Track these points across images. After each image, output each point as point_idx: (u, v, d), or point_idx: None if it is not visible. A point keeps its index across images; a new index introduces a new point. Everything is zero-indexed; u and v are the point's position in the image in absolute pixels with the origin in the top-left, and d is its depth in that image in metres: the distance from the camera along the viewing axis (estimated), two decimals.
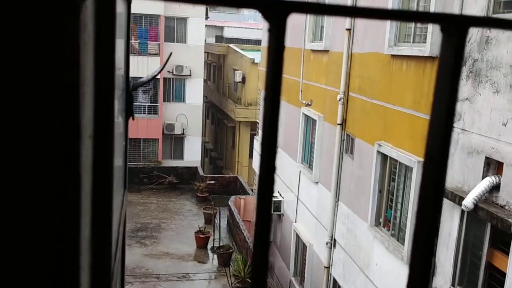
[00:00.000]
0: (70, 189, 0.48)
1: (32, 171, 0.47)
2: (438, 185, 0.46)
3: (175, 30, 26.56)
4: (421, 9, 8.06)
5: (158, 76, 25.51)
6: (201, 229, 18.03)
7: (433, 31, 7.36)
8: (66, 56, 0.44)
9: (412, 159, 7.81)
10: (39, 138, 0.46)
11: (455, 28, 0.43)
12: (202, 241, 17.74)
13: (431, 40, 7.38)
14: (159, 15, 25.55)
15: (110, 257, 0.90)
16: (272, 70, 0.40)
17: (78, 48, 0.44)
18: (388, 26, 8.64)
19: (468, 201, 6.15)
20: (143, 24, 25.81)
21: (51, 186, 0.48)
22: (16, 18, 0.42)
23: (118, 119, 1.26)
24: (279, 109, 0.44)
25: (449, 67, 0.44)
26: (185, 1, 0.42)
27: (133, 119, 1.56)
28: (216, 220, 18.52)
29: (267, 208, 0.44)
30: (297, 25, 13.40)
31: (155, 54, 25.66)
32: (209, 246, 17.78)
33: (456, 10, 6.87)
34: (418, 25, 8.16)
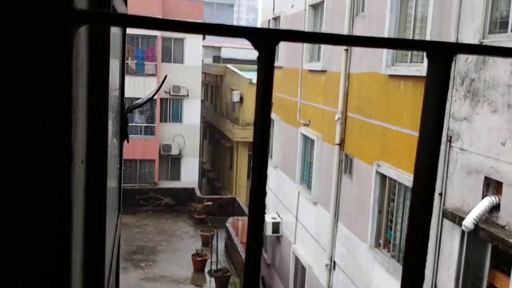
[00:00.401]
0: (61, 214, 0.45)
1: (24, 195, 0.45)
2: (427, 205, 0.46)
3: (172, 50, 26.75)
4: (417, 29, 8.13)
5: (155, 97, 25.58)
6: (198, 251, 17.83)
7: None
8: (58, 83, 0.42)
9: (412, 179, 7.76)
10: (31, 163, 0.44)
11: (440, 55, 0.43)
12: (199, 264, 17.53)
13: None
14: (156, 36, 25.75)
15: (103, 281, 0.86)
16: (261, 96, 0.41)
17: (70, 75, 0.42)
18: None
19: (468, 222, 6.09)
20: (140, 45, 25.99)
21: (41, 210, 0.46)
22: (11, 45, 0.41)
23: (113, 142, 1.23)
24: (270, 131, 0.44)
25: (435, 94, 0.44)
26: (179, 30, 0.44)
27: (127, 141, 1.53)
28: (213, 243, 18.33)
29: (259, 229, 0.43)
30: (295, 45, 13.50)
31: (152, 75, 25.77)
32: (206, 269, 17.56)
33: (452, 31, 6.92)
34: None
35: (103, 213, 0.70)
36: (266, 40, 0.42)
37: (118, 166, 1.47)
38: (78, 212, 0.56)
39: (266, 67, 0.43)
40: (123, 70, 1.59)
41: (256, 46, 0.42)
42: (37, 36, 0.41)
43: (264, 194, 0.46)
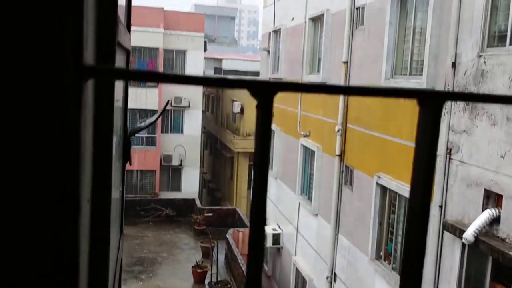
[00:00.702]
0: (68, 258, 0.48)
1: (33, 240, 0.48)
2: (419, 249, 0.48)
3: (174, 62, 26.89)
4: (416, 42, 8.19)
5: (157, 108, 25.65)
6: (198, 263, 17.76)
7: (429, 64, 7.46)
8: (67, 133, 0.45)
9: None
10: (40, 207, 0.46)
11: (430, 102, 0.46)
12: (199, 276, 17.45)
13: (428, 72, 7.47)
14: (158, 48, 25.89)
15: None
16: (260, 142, 0.43)
17: (79, 126, 0.45)
18: (384, 59, 8.76)
19: (469, 234, 6.10)
20: (142, 56, 26.13)
21: (47, 250, 0.48)
22: (23, 97, 0.44)
23: (115, 165, 1.26)
24: (267, 178, 0.46)
25: (427, 139, 0.46)
26: (180, 82, 0.46)
27: (130, 164, 1.56)
28: (213, 254, 18.27)
29: (260, 239, 0.46)
30: (295, 57, 13.59)
31: (154, 86, 25.87)
32: (206, 281, 17.47)
33: (451, 44, 6.97)
34: (414, 57, 8.28)
35: (106, 253, 0.73)
36: (264, 91, 0.46)
37: (121, 188, 1.50)
38: (83, 249, 0.59)
39: (264, 115, 0.46)
40: (127, 93, 1.63)
41: (255, 96, 0.46)
42: (49, 92, 0.44)
43: (264, 207, 0.48)
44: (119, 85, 1.34)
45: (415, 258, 0.51)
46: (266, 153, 0.49)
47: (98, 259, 0.70)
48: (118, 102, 1.34)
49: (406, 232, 0.54)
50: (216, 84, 0.50)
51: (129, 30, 1.53)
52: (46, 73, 0.44)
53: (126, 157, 1.48)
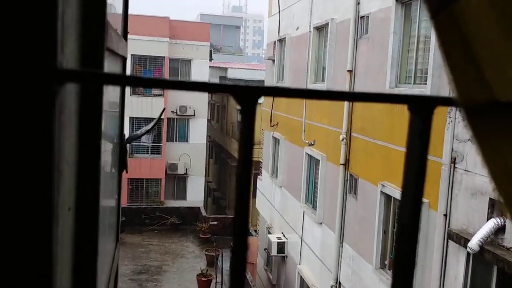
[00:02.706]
0: (42, 265, 0.47)
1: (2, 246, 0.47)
2: (410, 256, 0.47)
3: (179, 71, 27.00)
4: (421, 51, 8.18)
5: (162, 116, 25.74)
6: (203, 271, 17.71)
7: (433, 73, 7.45)
8: (38, 140, 0.45)
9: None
10: (9, 214, 0.46)
11: (421, 108, 0.45)
12: (204, 284, 17.40)
13: (432, 81, 7.46)
14: (164, 57, 26.02)
15: None
16: (244, 146, 0.43)
17: (51, 131, 0.45)
18: (389, 68, 8.76)
19: (474, 244, 6.04)
20: (148, 66, 26.27)
21: (20, 261, 0.47)
22: None
23: (111, 173, 1.26)
24: (251, 181, 0.46)
25: (417, 145, 0.46)
26: (163, 87, 0.47)
27: (126, 172, 1.56)
28: (218, 262, 18.22)
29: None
30: (300, 66, 13.61)
31: (159, 95, 25.98)
32: None
33: None
34: (419, 66, 8.27)
35: (94, 258, 0.72)
36: (247, 96, 0.45)
37: (117, 197, 1.50)
38: (64, 261, 0.58)
39: (248, 120, 0.46)
40: (123, 100, 1.63)
41: (239, 101, 0.46)
42: (19, 95, 0.44)
43: (247, 218, 0.48)
44: (114, 92, 1.34)
45: (406, 264, 0.50)
46: (249, 159, 0.49)
47: (85, 269, 0.69)
48: (113, 109, 1.34)
49: (397, 239, 0.54)
50: (199, 88, 0.50)
51: (125, 38, 1.54)
52: (16, 76, 0.43)
53: (122, 165, 1.48)
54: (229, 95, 0.49)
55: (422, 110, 0.48)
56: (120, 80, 0.46)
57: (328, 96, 0.52)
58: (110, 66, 1.05)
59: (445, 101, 0.52)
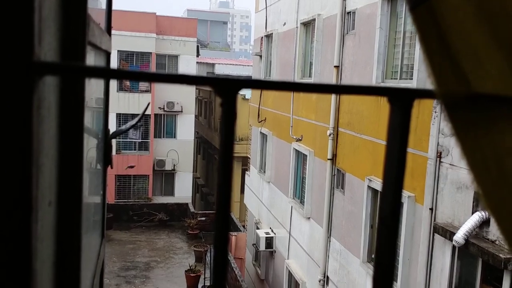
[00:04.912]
0: (21, 267, 0.47)
1: None
2: (390, 247, 0.47)
3: (166, 67, 26.85)
4: (407, 46, 8.24)
5: (149, 113, 25.62)
6: (191, 267, 17.71)
7: (419, 68, 7.50)
8: (16, 130, 0.44)
9: (403, 194, 7.80)
10: None
11: (401, 100, 0.45)
12: (192, 280, 17.40)
13: (418, 76, 7.51)
14: (151, 53, 25.86)
15: None
16: (224, 139, 0.43)
17: (30, 124, 0.44)
18: (375, 63, 8.80)
19: (459, 237, 6.12)
20: (134, 61, 26.08)
21: None
22: None
23: (96, 168, 1.25)
24: (232, 172, 0.47)
25: (397, 137, 0.46)
26: (146, 80, 0.47)
27: (111, 167, 1.55)
28: (207, 258, 18.22)
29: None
30: (287, 62, 13.62)
31: (146, 91, 25.83)
32: (200, 285, 17.42)
33: None
34: (405, 61, 8.33)
35: (78, 253, 0.72)
36: (227, 88, 0.45)
37: (102, 192, 1.49)
38: (44, 256, 0.57)
39: (228, 112, 0.46)
40: (108, 94, 1.62)
41: (219, 94, 0.46)
42: None
43: (228, 214, 0.48)
44: (99, 87, 1.33)
45: (386, 257, 0.51)
46: (230, 153, 0.49)
47: (68, 265, 0.69)
48: (97, 104, 1.33)
49: (378, 231, 0.54)
50: (179, 81, 0.49)
51: (109, 33, 1.53)
52: None
53: (107, 160, 1.47)
54: (210, 87, 0.49)
55: (401, 102, 0.49)
56: (99, 72, 0.46)
57: (310, 88, 0.52)
58: (93, 60, 1.04)
59: (424, 94, 0.52)
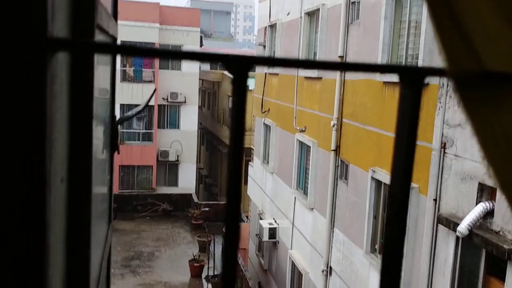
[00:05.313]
0: (35, 235, 0.48)
1: None
2: (401, 223, 0.47)
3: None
4: (411, 36, 8.19)
5: (153, 103, 25.63)
6: (195, 257, 17.80)
7: (423, 58, 7.47)
8: (31, 109, 0.45)
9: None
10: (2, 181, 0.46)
11: (411, 78, 0.46)
12: (196, 269, 17.50)
13: (423, 66, 7.46)
14: (154, 43, 25.80)
15: None
16: (235, 116, 0.43)
17: (44, 100, 0.45)
18: (380, 53, 8.76)
19: (463, 227, 6.12)
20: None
21: (13, 234, 0.47)
22: None
23: (103, 154, 1.26)
24: (243, 150, 0.47)
25: (407, 116, 0.46)
26: (158, 56, 0.47)
27: (118, 153, 1.56)
28: (210, 248, 18.32)
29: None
30: (291, 52, 13.57)
31: (150, 81, 25.82)
32: (203, 275, 17.53)
33: None
34: (409, 51, 8.28)
35: (88, 229, 0.73)
36: (239, 65, 0.45)
37: (109, 177, 1.50)
38: (57, 231, 0.58)
39: (240, 90, 0.45)
40: (114, 81, 1.62)
41: (230, 70, 0.45)
42: (10, 64, 0.44)
43: (238, 204, 0.48)
44: (105, 73, 1.33)
45: (396, 241, 0.51)
46: (241, 130, 0.49)
47: (78, 239, 0.70)
48: (104, 90, 1.34)
49: (387, 215, 0.54)
50: (190, 57, 0.49)
51: (115, 19, 1.53)
52: (6, 44, 0.43)
53: (113, 146, 1.48)
54: (221, 64, 0.48)
55: (412, 80, 0.49)
56: (110, 48, 0.46)
57: (320, 66, 0.52)
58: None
59: (435, 72, 0.52)
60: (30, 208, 0.46)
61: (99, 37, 0.89)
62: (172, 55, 0.48)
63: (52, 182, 0.50)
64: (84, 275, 0.75)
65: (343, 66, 0.50)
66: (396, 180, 0.51)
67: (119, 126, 1.66)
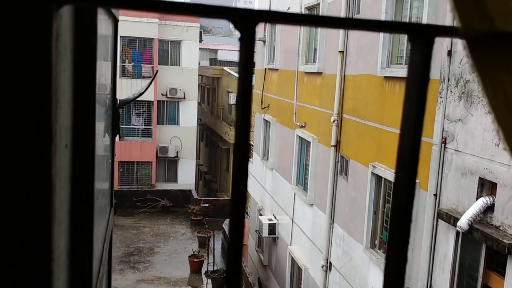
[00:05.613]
0: (41, 196, 0.46)
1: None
2: (409, 192, 0.46)
3: (169, 53, 26.76)
4: (414, 15, 8.15)
5: (152, 99, 25.59)
6: (195, 253, 17.82)
7: None
8: (35, 62, 0.43)
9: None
10: (6, 142, 0.44)
11: (421, 37, 0.44)
12: (196, 265, 17.52)
13: None
14: (153, 38, 25.75)
15: (90, 270, 0.87)
16: (243, 76, 0.41)
17: (49, 55, 0.43)
18: (380, 48, 8.74)
19: (463, 222, 6.12)
20: (137, 47, 25.99)
21: (19, 193, 0.46)
22: None
23: (105, 137, 1.24)
24: (251, 114, 0.44)
25: (417, 77, 0.44)
26: (158, 11, 0.44)
27: (119, 137, 1.54)
28: (210, 244, 18.33)
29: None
30: (291, 48, 13.54)
31: (149, 77, 25.76)
32: (203, 271, 17.54)
33: (448, 19, 6.94)
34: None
35: (91, 197, 0.71)
36: (246, 20, 0.43)
37: (110, 161, 1.49)
38: (62, 195, 0.57)
39: (246, 47, 0.43)
40: (115, 68, 1.61)
41: (237, 27, 0.43)
42: (14, 17, 0.42)
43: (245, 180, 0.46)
44: (106, 65, 1.32)
45: (400, 235, 0.49)
46: (249, 90, 0.47)
47: (82, 211, 0.68)
48: (105, 76, 1.32)
49: (392, 204, 0.52)
50: (194, 13, 0.46)
51: None
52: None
53: (115, 129, 1.46)
54: (227, 19, 0.46)
55: (423, 39, 0.46)
56: (115, 1, 0.44)
57: (327, 22, 0.49)
58: (105, 27, 1.03)
59: (447, 30, 0.51)
60: (35, 170, 0.44)
61: (101, 17, 0.87)
62: (175, 9, 0.45)
63: (57, 145, 0.48)
64: (89, 244, 0.74)
65: (350, 23, 0.48)
66: (404, 151, 0.49)
67: (120, 110, 1.64)
